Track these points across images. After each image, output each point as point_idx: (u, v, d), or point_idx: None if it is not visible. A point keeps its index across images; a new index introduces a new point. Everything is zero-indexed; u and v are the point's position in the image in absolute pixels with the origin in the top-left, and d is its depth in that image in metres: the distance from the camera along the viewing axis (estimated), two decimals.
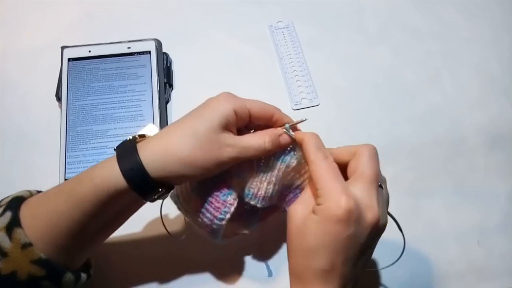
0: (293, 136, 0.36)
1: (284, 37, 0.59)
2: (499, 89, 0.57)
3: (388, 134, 0.53)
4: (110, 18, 0.59)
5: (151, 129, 0.49)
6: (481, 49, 0.60)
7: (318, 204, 0.31)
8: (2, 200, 0.34)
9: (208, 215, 0.35)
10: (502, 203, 0.50)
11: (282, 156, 0.36)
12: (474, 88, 0.57)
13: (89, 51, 0.53)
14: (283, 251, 0.45)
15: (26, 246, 0.31)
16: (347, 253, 0.31)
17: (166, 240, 0.43)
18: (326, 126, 0.53)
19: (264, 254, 0.45)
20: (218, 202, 0.35)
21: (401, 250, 0.38)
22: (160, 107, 0.50)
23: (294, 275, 0.32)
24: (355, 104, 0.55)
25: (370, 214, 0.31)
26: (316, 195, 0.32)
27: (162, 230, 0.41)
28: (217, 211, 0.35)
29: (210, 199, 0.35)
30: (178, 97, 0.54)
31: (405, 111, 0.55)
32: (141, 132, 0.35)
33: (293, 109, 0.54)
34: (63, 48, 0.53)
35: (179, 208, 0.37)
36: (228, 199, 0.35)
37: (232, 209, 0.35)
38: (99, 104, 0.50)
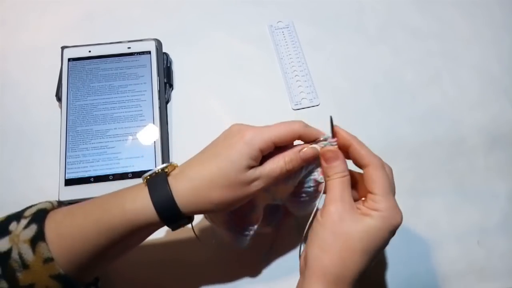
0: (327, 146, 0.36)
1: (284, 37, 0.59)
2: (499, 89, 0.57)
3: (388, 134, 0.53)
4: (110, 18, 0.59)
5: (151, 128, 0.49)
6: (481, 49, 0.60)
7: (373, 209, 0.32)
8: (25, 210, 0.35)
9: (232, 231, 0.37)
10: (502, 203, 0.50)
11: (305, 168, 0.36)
12: (474, 88, 0.57)
13: (89, 51, 0.53)
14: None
15: (48, 261, 0.31)
16: (377, 257, 0.33)
17: (172, 244, 0.44)
18: (326, 126, 0.53)
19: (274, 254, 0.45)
20: (243, 221, 0.37)
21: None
22: (160, 107, 0.50)
23: (325, 272, 0.32)
24: (355, 104, 0.55)
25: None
26: (367, 196, 0.34)
27: (168, 235, 0.42)
28: (242, 227, 0.37)
29: (235, 218, 0.37)
30: (178, 97, 0.54)
31: (405, 111, 0.55)
32: (173, 162, 0.35)
33: (293, 109, 0.54)
34: (63, 48, 0.53)
35: (206, 218, 0.39)
36: (253, 215, 0.37)
37: (256, 226, 0.37)
38: (99, 104, 0.50)
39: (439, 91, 0.56)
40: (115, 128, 0.49)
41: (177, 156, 0.50)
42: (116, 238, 0.32)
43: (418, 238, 0.47)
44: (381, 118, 0.54)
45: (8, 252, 0.31)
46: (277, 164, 0.34)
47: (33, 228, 0.32)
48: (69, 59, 0.52)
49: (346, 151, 0.36)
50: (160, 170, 0.34)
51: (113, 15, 0.59)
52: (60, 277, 0.32)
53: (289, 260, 0.45)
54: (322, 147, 0.35)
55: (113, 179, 0.46)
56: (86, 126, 0.49)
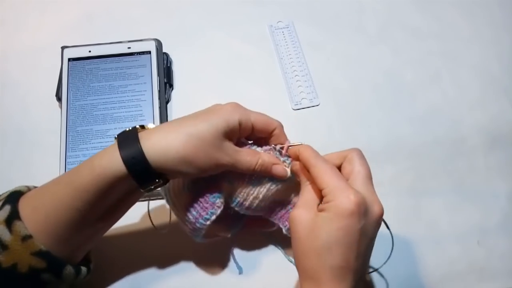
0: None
1: (284, 37, 0.59)
2: (499, 89, 0.57)
3: (388, 134, 0.53)
4: (110, 18, 0.59)
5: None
6: (481, 49, 0.60)
7: (326, 202, 0.32)
8: (0, 195, 0.35)
9: (194, 213, 0.37)
10: (502, 203, 0.50)
11: (275, 179, 0.37)
12: (474, 88, 0.57)
13: (89, 51, 0.53)
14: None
15: (26, 238, 0.31)
16: (359, 247, 0.31)
17: (162, 235, 0.43)
18: (326, 126, 0.53)
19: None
20: (207, 203, 0.36)
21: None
22: (160, 107, 0.50)
23: (307, 276, 0.32)
24: (355, 104, 0.55)
25: (376, 207, 0.33)
26: (319, 196, 0.34)
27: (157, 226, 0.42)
28: (204, 211, 0.36)
29: (200, 198, 0.36)
30: (178, 97, 0.54)
31: (405, 111, 0.55)
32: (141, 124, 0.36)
33: (293, 109, 0.54)
34: (63, 48, 0.53)
35: (167, 201, 0.38)
36: (216, 201, 0.36)
37: (219, 211, 0.36)
38: (99, 104, 0.50)
39: (439, 91, 0.56)
40: (115, 128, 0.49)
41: None
42: (90, 199, 0.31)
43: (418, 238, 0.47)
44: (381, 118, 0.54)
45: None
46: (251, 158, 0.35)
47: (7, 208, 0.32)
48: (69, 59, 0.52)
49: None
50: (130, 128, 0.34)
51: (113, 15, 0.59)
52: (41, 254, 0.31)
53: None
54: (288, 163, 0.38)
55: None
56: (86, 126, 0.49)
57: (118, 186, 0.32)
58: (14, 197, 0.33)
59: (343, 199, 0.31)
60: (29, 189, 0.35)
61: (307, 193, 0.35)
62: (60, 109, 0.50)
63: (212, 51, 0.57)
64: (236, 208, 0.39)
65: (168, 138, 0.32)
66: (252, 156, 0.35)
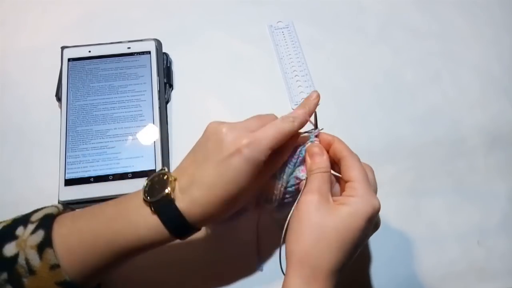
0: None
1: (284, 37, 0.59)
2: (499, 89, 0.57)
3: (388, 134, 0.53)
4: (110, 18, 0.59)
5: (151, 128, 0.49)
6: (481, 49, 0.60)
7: (349, 195, 0.32)
8: (32, 214, 0.34)
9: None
10: (502, 203, 0.50)
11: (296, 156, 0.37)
12: (474, 88, 0.57)
13: (89, 51, 0.53)
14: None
15: (55, 267, 0.31)
16: (357, 249, 0.32)
17: (173, 245, 0.43)
18: (326, 126, 0.53)
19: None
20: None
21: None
22: (160, 107, 0.50)
23: (299, 261, 0.31)
24: (355, 104, 0.55)
25: (378, 218, 0.35)
26: (344, 186, 0.34)
27: None
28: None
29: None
30: (178, 97, 0.54)
31: (405, 111, 0.55)
32: (165, 169, 0.36)
33: (293, 109, 0.54)
34: (63, 48, 0.53)
35: None
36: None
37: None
38: (99, 104, 0.50)
39: (439, 91, 0.56)
40: (115, 128, 0.49)
41: (177, 156, 0.50)
42: (128, 256, 0.33)
43: (418, 238, 0.47)
44: (381, 118, 0.54)
45: (15, 257, 0.31)
46: (286, 122, 0.35)
47: (40, 234, 0.32)
48: (69, 59, 0.52)
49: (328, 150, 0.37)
50: (165, 194, 0.33)
51: (113, 15, 0.59)
52: (65, 284, 0.32)
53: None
54: (308, 145, 0.36)
55: (113, 179, 0.46)
56: (86, 126, 0.49)
57: (159, 244, 0.34)
58: (48, 221, 0.33)
59: (371, 201, 0.32)
60: (59, 210, 0.35)
61: (322, 181, 0.34)
62: (60, 109, 0.50)
63: (212, 51, 0.57)
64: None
65: (206, 199, 0.32)
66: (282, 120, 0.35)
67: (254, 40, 0.58)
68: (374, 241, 0.45)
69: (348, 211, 0.31)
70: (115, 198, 0.36)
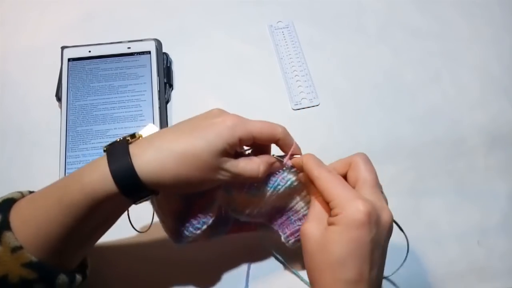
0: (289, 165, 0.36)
1: (284, 37, 0.59)
2: (499, 89, 0.57)
3: (388, 134, 0.53)
4: (110, 18, 0.59)
5: (150, 129, 0.49)
6: (481, 49, 0.60)
7: (335, 215, 0.31)
8: None
9: (183, 220, 0.35)
10: (502, 203, 0.50)
11: (273, 183, 0.36)
12: (474, 88, 0.57)
13: (89, 51, 0.53)
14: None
15: (16, 249, 0.31)
16: (372, 258, 0.31)
17: (165, 241, 0.43)
18: (326, 126, 0.53)
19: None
20: (200, 212, 0.35)
21: (404, 252, 0.38)
22: (160, 107, 0.50)
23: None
24: (355, 104, 0.55)
25: (385, 215, 0.32)
26: (328, 208, 0.32)
27: (160, 232, 0.41)
28: (196, 219, 0.35)
29: (192, 206, 0.35)
30: (178, 97, 0.54)
31: (405, 111, 0.55)
32: (138, 132, 0.34)
33: (293, 109, 0.54)
34: (63, 48, 0.53)
35: (152, 205, 0.36)
36: (210, 211, 0.35)
37: (211, 221, 0.35)
38: (99, 104, 0.50)
39: (439, 91, 0.56)
40: (115, 128, 0.49)
41: None
42: (80, 215, 0.31)
43: (418, 238, 0.47)
44: (381, 118, 0.54)
45: None
46: (251, 167, 0.34)
47: None
48: (69, 59, 0.52)
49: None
50: (121, 139, 0.33)
51: (113, 15, 0.59)
52: (32, 265, 0.31)
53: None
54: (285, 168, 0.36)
55: None
56: (86, 126, 0.49)
57: (109, 202, 0.31)
58: (6, 205, 0.32)
59: (352, 210, 0.30)
60: (22, 195, 0.34)
61: (316, 206, 0.34)
62: (60, 109, 0.50)
63: (212, 51, 0.57)
64: (236, 216, 0.38)
65: (162, 157, 0.31)
66: (253, 163, 0.34)
67: (254, 40, 0.58)
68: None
69: (338, 229, 0.31)
70: None
